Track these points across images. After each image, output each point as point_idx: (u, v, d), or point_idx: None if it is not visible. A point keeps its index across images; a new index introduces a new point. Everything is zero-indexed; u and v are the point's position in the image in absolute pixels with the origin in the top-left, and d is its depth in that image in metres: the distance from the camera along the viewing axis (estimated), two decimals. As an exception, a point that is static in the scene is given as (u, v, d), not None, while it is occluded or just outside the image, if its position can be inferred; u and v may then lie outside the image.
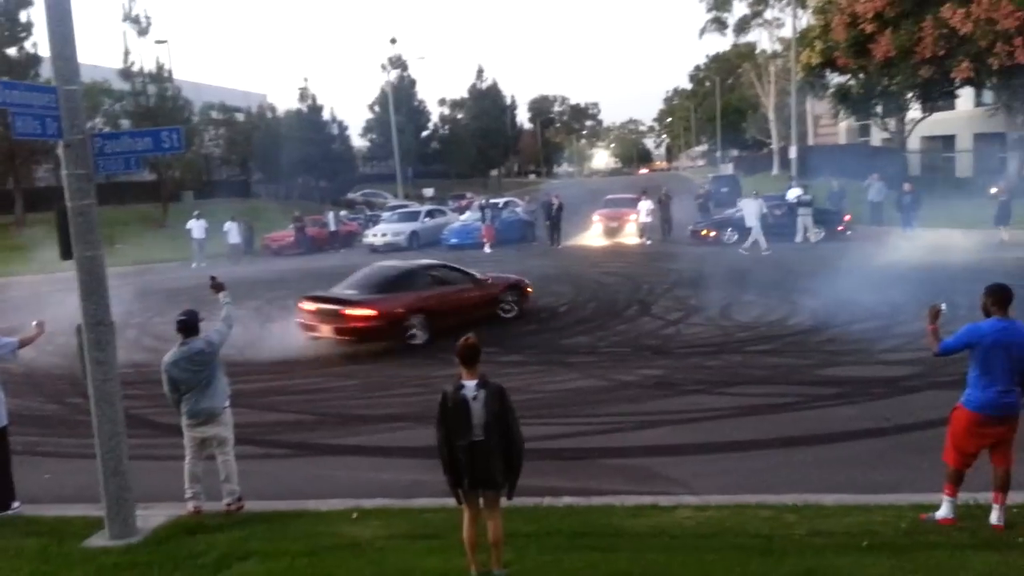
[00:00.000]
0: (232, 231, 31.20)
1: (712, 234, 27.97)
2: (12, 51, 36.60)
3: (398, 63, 67.28)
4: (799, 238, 25.97)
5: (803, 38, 42.42)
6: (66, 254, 6.83)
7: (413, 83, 70.44)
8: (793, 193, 28.51)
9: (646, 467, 8.23)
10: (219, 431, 7.45)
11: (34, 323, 8.44)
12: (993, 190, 25.69)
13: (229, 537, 6.79)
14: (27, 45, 36.81)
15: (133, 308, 19.25)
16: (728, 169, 70.91)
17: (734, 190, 41.55)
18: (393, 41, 77.96)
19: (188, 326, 7.39)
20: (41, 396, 12.30)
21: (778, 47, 61.76)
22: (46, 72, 28.99)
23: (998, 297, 6.09)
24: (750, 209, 25.27)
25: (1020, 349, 5.97)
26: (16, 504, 7.82)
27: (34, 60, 36.17)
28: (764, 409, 9.79)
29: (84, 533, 7.04)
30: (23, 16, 36.60)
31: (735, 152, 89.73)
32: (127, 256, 31.42)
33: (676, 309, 16.42)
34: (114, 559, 6.50)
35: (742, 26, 62.66)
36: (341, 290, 14.69)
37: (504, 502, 5.71)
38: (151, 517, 7.29)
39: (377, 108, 67.89)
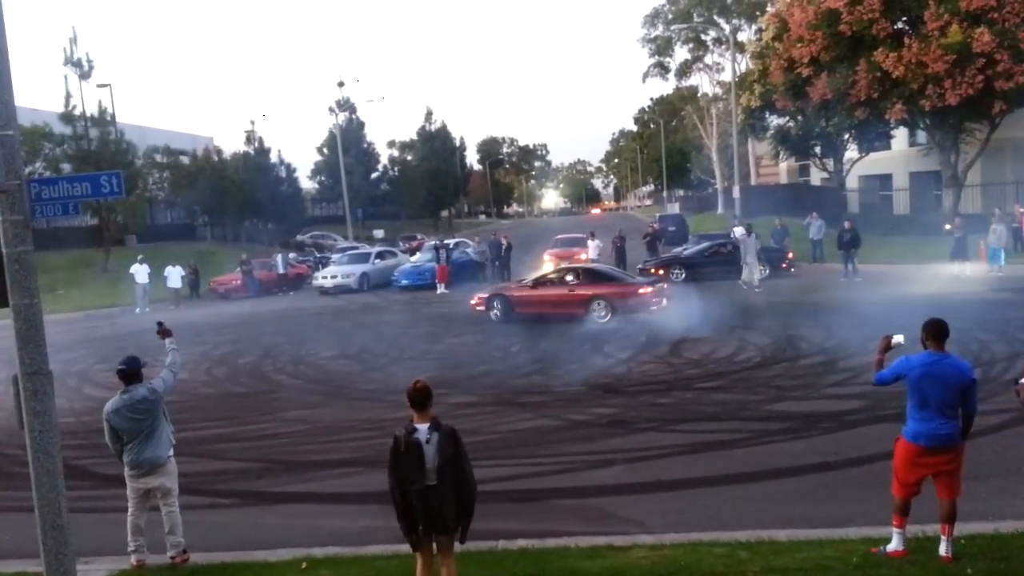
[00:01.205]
0: (172, 275, 30.88)
1: (660, 272, 28.30)
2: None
3: (346, 106, 67.45)
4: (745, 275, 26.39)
5: (742, 82, 43.69)
6: (1, 302, 6.63)
7: (362, 125, 70.57)
8: (738, 231, 29.11)
9: (600, 507, 8.20)
10: (163, 481, 7.25)
11: None
12: (948, 226, 26.26)
13: (173, 592, 6.57)
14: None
15: (74, 355, 18.74)
16: (675, 208, 72.14)
17: (681, 229, 42.29)
18: (341, 84, 78.33)
19: (129, 374, 7.21)
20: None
21: (719, 90, 63.58)
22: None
23: (932, 332, 6.25)
24: (747, 246, 25.73)
25: (950, 382, 6.13)
26: (-54, 563, 7.49)
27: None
28: (715, 445, 9.85)
29: (20, 592, 6.76)
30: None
31: (681, 192, 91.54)
32: (68, 302, 30.65)
33: (627, 347, 16.54)
34: (51, 618, 6.23)
35: (684, 71, 64.47)
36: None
37: (457, 546, 5.63)
38: (92, 572, 7.05)
39: (326, 150, 67.86)
